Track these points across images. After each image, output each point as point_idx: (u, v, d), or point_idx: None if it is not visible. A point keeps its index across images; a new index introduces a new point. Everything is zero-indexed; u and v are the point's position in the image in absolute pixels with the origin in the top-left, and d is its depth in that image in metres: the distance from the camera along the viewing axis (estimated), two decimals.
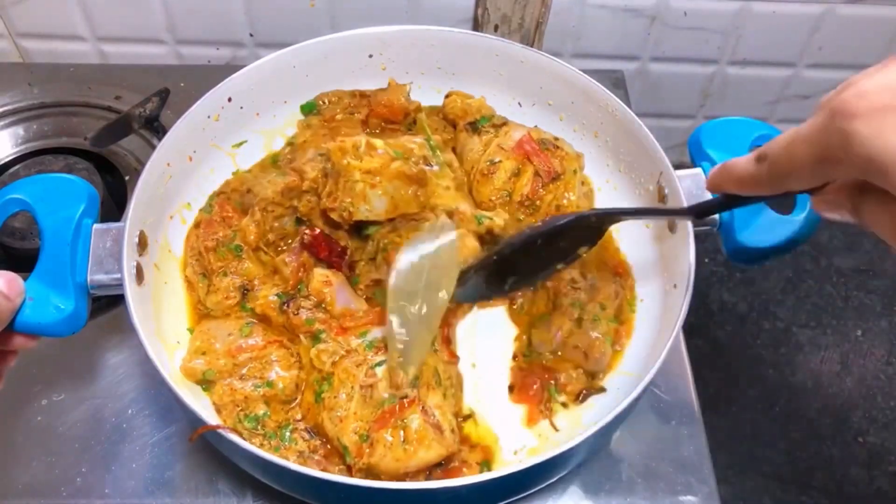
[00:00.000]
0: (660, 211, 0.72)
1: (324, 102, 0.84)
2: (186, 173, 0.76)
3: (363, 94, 0.83)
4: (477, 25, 1.10)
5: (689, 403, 0.77)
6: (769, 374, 1.24)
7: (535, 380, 0.70)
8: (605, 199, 0.81)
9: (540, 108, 0.84)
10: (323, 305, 0.69)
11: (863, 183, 0.44)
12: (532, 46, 0.91)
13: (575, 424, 0.68)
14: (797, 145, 0.43)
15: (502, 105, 0.84)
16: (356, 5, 1.07)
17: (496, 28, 1.08)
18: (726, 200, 0.55)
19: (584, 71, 0.78)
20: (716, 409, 1.22)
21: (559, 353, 0.71)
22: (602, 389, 0.70)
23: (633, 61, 1.17)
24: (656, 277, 0.73)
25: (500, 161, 0.76)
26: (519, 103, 0.85)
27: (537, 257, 0.67)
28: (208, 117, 0.76)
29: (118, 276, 0.62)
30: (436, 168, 0.71)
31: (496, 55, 0.82)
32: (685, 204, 0.67)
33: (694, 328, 1.22)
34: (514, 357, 0.72)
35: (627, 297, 0.74)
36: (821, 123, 0.41)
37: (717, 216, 0.68)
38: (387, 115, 0.82)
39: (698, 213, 0.62)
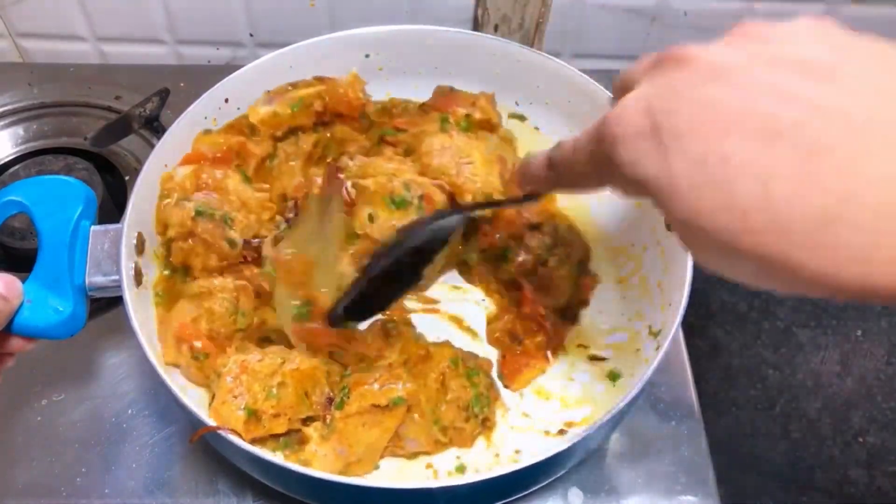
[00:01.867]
0: (498, 202, 0.74)
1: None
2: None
3: (321, 80, 0.82)
4: (477, 25, 1.10)
5: (689, 403, 0.77)
6: (769, 374, 1.24)
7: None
8: (601, 198, 0.80)
9: (538, 108, 0.84)
10: None
11: None
12: (532, 46, 0.92)
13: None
14: (577, 157, 0.44)
15: (500, 105, 0.84)
16: (356, 5, 1.07)
17: (496, 28, 1.08)
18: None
19: (584, 71, 0.78)
20: (716, 409, 1.22)
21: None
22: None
23: (634, 61, 1.17)
24: (655, 276, 0.73)
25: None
26: (516, 102, 0.85)
27: (407, 267, 0.69)
28: (206, 118, 0.76)
29: (116, 277, 0.62)
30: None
31: (494, 55, 0.82)
32: None
33: (694, 328, 1.22)
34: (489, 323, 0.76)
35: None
36: (594, 140, 0.41)
37: None
38: (341, 110, 0.82)
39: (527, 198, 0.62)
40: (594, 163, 0.42)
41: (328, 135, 0.82)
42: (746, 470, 1.18)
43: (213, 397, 0.66)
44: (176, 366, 0.68)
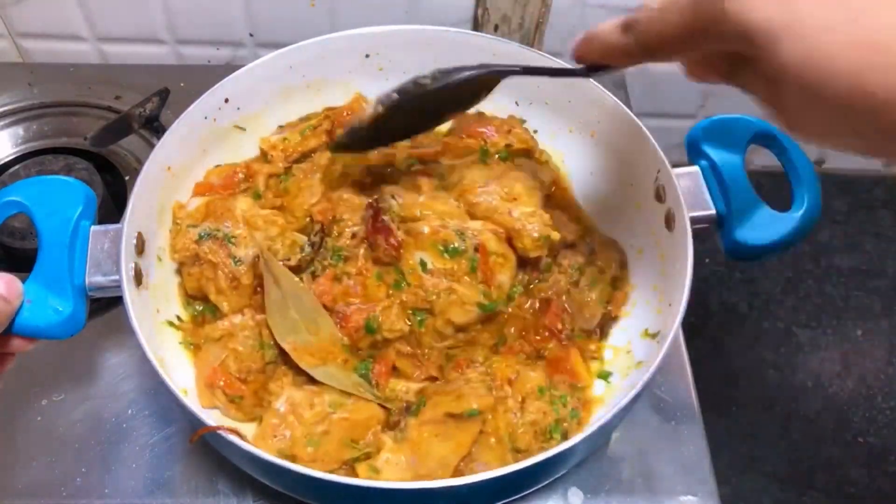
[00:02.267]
0: (552, 70, 0.69)
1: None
2: (185, 174, 0.76)
3: (331, 109, 0.83)
4: (477, 25, 1.10)
5: (689, 403, 0.77)
6: (769, 374, 1.24)
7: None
8: (600, 198, 0.81)
9: (537, 108, 0.84)
10: None
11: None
12: (532, 46, 0.91)
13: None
14: (668, 18, 0.41)
15: (499, 105, 0.84)
16: (356, 5, 1.07)
17: (496, 28, 1.08)
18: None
19: None
20: (716, 409, 1.22)
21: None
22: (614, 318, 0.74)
23: None
24: (655, 276, 0.73)
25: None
26: (516, 102, 0.85)
27: (425, 112, 0.67)
28: (206, 118, 0.76)
29: (116, 277, 0.62)
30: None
31: (493, 55, 0.81)
32: (683, 203, 0.67)
33: (694, 328, 1.22)
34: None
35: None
36: None
37: (713, 213, 0.68)
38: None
39: (588, 71, 0.58)
40: (692, 17, 0.40)
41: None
42: (746, 470, 1.18)
43: (260, 420, 0.66)
44: (214, 408, 0.67)
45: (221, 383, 0.66)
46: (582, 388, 0.70)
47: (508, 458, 0.64)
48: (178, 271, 0.72)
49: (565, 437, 0.66)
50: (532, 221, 0.71)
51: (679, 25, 0.41)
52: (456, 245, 0.68)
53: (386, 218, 0.69)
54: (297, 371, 0.67)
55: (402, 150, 0.78)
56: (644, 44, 0.45)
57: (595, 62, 0.51)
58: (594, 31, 0.49)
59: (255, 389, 0.67)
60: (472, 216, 0.73)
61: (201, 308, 0.72)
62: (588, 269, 0.75)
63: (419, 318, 0.68)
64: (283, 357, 0.68)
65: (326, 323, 0.67)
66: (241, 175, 0.79)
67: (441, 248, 0.68)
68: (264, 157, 0.81)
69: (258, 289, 0.71)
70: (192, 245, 0.70)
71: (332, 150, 0.76)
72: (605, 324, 0.74)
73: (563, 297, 0.73)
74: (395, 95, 0.65)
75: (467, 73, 0.64)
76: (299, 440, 0.63)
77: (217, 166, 0.78)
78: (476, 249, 0.68)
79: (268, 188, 0.78)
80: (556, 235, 0.72)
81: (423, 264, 0.68)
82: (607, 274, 0.75)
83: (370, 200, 0.71)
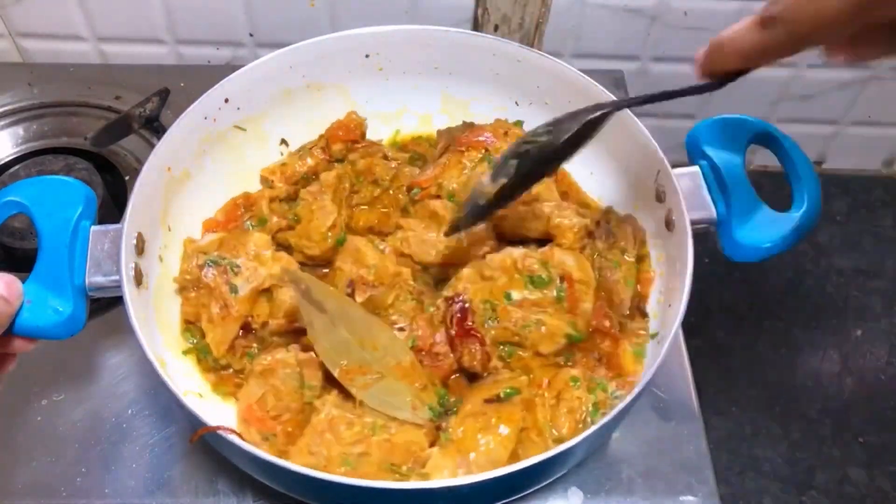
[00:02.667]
0: (679, 92, 0.57)
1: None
2: (185, 174, 0.76)
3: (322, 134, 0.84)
4: (477, 25, 1.10)
5: (688, 403, 0.77)
6: (769, 374, 1.24)
7: None
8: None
9: (537, 108, 0.84)
10: None
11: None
12: (532, 46, 0.91)
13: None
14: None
15: (498, 105, 0.84)
16: (356, 5, 1.07)
17: (496, 28, 1.08)
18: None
19: (585, 71, 0.78)
20: (716, 409, 1.22)
21: None
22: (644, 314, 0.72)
23: (634, 61, 1.17)
24: (655, 276, 0.73)
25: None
26: (516, 102, 0.85)
27: (542, 163, 0.63)
28: (205, 118, 0.76)
29: (116, 278, 0.62)
30: None
31: (493, 55, 0.82)
32: (683, 204, 0.67)
33: (694, 328, 1.22)
34: None
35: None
36: None
37: (714, 213, 0.68)
38: (344, 138, 0.82)
39: (721, 82, 0.52)
40: None
41: (349, 168, 0.81)
42: (746, 470, 1.18)
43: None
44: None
45: (256, 422, 0.65)
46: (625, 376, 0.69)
47: (552, 446, 0.63)
48: (180, 293, 0.72)
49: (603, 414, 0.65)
50: (564, 214, 0.71)
51: (839, 13, 0.38)
52: (541, 275, 0.67)
53: (472, 323, 0.66)
54: (346, 392, 0.65)
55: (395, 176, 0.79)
56: (796, 33, 0.41)
57: (730, 68, 0.47)
58: (723, 38, 0.46)
59: (289, 429, 0.65)
60: (500, 231, 0.72)
61: (196, 342, 0.71)
62: (609, 253, 0.74)
63: (507, 350, 0.68)
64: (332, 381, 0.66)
65: (383, 330, 0.66)
66: (242, 206, 0.79)
67: (526, 278, 0.67)
68: (266, 184, 0.81)
69: (253, 328, 0.70)
70: (196, 269, 0.70)
71: (448, 233, 0.70)
72: (640, 303, 0.73)
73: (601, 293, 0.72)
74: (514, 162, 0.63)
75: (586, 118, 0.59)
76: (334, 459, 0.61)
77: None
78: (562, 279, 0.68)
79: (272, 212, 0.78)
80: (588, 221, 0.71)
81: (507, 296, 0.67)
82: (631, 252, 0.74)
83: (447, 295, 0.68)
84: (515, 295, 0.68)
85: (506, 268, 0.69)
